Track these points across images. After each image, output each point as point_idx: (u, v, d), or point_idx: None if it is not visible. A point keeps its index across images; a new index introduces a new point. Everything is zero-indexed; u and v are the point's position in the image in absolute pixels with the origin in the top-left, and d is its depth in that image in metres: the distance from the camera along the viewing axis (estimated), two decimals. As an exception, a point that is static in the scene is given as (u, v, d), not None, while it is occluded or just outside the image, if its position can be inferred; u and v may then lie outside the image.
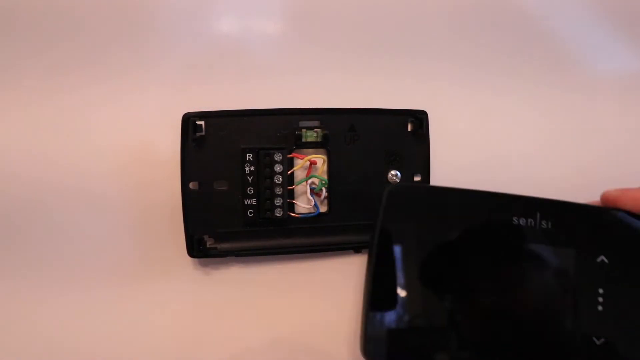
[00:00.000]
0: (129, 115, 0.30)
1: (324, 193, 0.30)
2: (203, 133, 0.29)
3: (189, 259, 0.29)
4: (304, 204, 0.31)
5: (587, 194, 0.26)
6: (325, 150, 0.30)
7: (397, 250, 0.24)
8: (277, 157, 0.29)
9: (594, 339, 0.23)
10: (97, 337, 0.30)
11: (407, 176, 0.31)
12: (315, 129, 0.30)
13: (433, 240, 0.24)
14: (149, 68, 0.30)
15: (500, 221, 0.24)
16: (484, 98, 0.33)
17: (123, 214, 0.30)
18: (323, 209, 0.31)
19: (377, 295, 0.23)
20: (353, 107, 0.30)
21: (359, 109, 0.30)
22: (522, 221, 0.24)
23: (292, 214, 0.30)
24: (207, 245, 0.29)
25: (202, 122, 0.29)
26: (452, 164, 0.32)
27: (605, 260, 0.24)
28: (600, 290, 0.24)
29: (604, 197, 0.25)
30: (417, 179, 0.31)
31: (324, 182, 0.30)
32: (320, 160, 0.30)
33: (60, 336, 0.30)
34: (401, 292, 0.23)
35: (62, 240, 0.30)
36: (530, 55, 0.33)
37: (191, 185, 0.29)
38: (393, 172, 0.31)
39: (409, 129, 0.31)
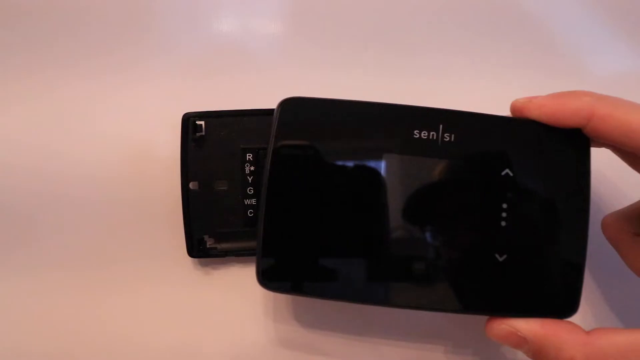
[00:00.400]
0: (129, 115, 0.30)
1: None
2: (203, 133, 0.29)
3: (189, 259, 0.29)
4: (304, 204, 0.30)
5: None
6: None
7: (292, 167, 0.23)
8: (277, 157, 0.29)
9: (496, 255, 0.22)
10: (97, 336, 0.30)
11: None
12: (315, 129, 0.30)
13: (330, 157, 0.23)
14: (148, 68, 0.31)
15: (400, 135, 0.23)
16: (484, 97, 0.33)
17: (123, 214, 0.30)
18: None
19: (272, 217, 0.23)
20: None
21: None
22: (423, 134, 0.23)
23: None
24: (207, 245, 0.29)
25: (202, 122, 0.29)
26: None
27: (510, 174, 0.23)
28: (504, 205, 0.22)
29: (512, 107, 0.23)
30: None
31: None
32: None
33: (60, 336, 0.30)
34: (296, 214, 0.23)
35: (60, 239, 0.30)
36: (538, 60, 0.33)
37: (191, 185, 0.29)
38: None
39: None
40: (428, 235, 0.23)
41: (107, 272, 0.30)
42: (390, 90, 0.32)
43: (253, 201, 0.29)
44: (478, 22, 0.33)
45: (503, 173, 0.23)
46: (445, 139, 0.22)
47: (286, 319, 0.31)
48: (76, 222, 0.30)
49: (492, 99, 0.32)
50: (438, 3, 0.32)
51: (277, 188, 0.23)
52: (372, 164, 0.23)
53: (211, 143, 0.29)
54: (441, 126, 0.23)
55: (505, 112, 0.32)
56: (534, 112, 0.22)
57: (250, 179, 0.29)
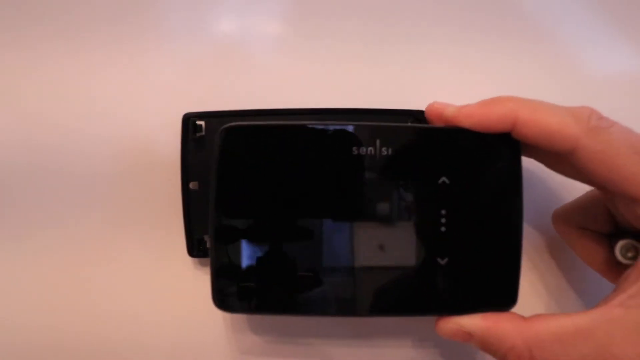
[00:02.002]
0: (129, 115, 0.30)
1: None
2: (203, 133, 0.29)
3: (189, 259, 0.29)
4: (304, 204, 0.31)
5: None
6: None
7: (236, 192, 0.24)
8: (277, 157, 0.29)
9: (438, 259, 0.24)
10: (97, 336, 0.30)
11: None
12: (315, 129, 0.30)
13: (272, 181, 0.24)
14: (148, 68, 0.31)
15: (339, 153, 0.24)
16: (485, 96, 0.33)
17: (123, 213, 0.30)
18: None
19: (221, 241, 0.24)
20: (353, 107, 0.30)
21: (359, 109, 0.30)
22: (362, 150, 0.23)
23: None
24: (207, 245, 0.29)
25: (202, 122, 0.29)
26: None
27: (446, 181, 0.24)
28: (443, 212, 0.24)
29: (443, 118, 0.24)
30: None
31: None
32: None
33: (60, 335, 0.30)
34: (244, 235, 0.24)
35: (61, 238, 0.30)
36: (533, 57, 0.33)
37: (191, 185, 0.29)
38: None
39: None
40: (373, 245, 0.24)
41: (106, 272, 0.30)
42: (388, 88, 0.32)
43: (253, 201, 0.29)
44: (475, 17, 0.33)
45: (440, 181, 0.24)
46: (382, 153, 0.24)
47: (286, 318, 0.31)
48: (76, 222, 0.30)
49: (488, 94, 0.33)
50: (440, 7, 0.32)
51: (224, 215, 0.24)
52: (314, 184, 0.24)
53: (211, 143, 0.29)
54: (378, 141, 0.24)
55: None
56: (464, 121, 0.23)
57: (250, 179, 0.29)
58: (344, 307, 0.24)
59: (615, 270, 0.26)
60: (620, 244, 0.25)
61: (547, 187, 0.31)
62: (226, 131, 0.23)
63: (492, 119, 0.23)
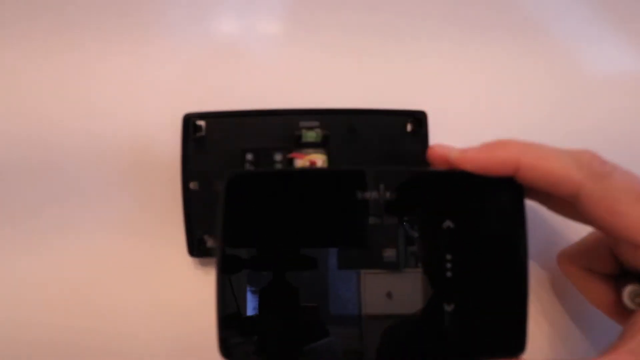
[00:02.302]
0: (129, 115, 0.30)
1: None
2: (203, 133, 0.29)
3: (189, 258, 0.30)
4: (303, 204, 0.31)
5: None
6: (325, 150, 0.30)
7: (245, 241, 0.23)
8: (277, 157, 0.29)
9: (445, 306, 0.23)
10: (97, 335, 0.30)
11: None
12: (315, 129, 0.30)
13: (276, 229, 0.23)
14: (149, 68, 0.31)
15: (344, 198, 0.23)
16: (485, 95, 0.33)
17: (123, 213, 0.30)
18: (323, 209, 0.31)
19: (226, 290, 0.23)
20: (353, 107, 0.30)
21: (359, 109, 0.30)
22: (366, 195, 0.23)
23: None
24: (207, 245, 0.30)
25: (203, 122, 0.29)
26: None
27: (451, 225, 0.23)
28: (448, 256, 0.23)
29: (447, 161, 0.24)
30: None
31: (323, 182, 0.30)
32: (320, 160, 0.30)
33: (60, 335, 0.30)
34: (252, 283, 0.23)
35: (60, 237, 0.30)
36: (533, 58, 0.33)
37: (191, 185, 0.29)
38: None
39: (409, 129, 0.31)
40: (380, 293, 0.24)
41: (106, 272, 0.30)
42: (388, 87, 0.32)
43: (253, 201, 0.29)
44: (473, 14, 0.33)
45: (445, 225, 0.23)
46: (386, 197, 0.23)
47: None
48: (76, 221, 0.30)
49: (486, 94, 0.33)
50: (440, 9, 0.33)
51: (230, 262, 0.23)
52: (319, 231, 0.24)
53: (211, 143, 0.29)
54: (381, 186, 0.23)
55: (498, 105, 0.33)
56: (468, 165, 0.23)
57: (250, 179, 0.29)
58: (352, 358, 0.24)
59: (622, 312, 0.25)
60: (628, 289, 0.24)
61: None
62: (230, 179, 0.23)
63: (495, 164, 0.23)
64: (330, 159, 0.30)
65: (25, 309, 0.30)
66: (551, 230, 0.30)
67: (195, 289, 0.30)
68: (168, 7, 0.31)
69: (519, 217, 0.23)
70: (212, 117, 0.29)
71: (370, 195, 0.23)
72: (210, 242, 0.30)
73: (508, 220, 0.24)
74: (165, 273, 0.30)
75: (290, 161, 0.30)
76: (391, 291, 0.24)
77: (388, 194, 0.23)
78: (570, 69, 0.34)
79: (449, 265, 0.23)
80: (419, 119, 0.31)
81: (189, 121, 0.29)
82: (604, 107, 0.34)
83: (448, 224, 0.23)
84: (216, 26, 0.31)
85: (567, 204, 0.23)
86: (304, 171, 0.24)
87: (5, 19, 0.30)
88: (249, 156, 0.29)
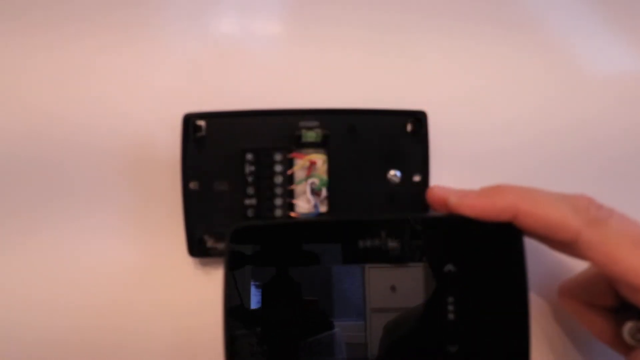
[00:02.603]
0: (129, 115, 0.30)
1: (324, 193, 0.30)
2: (203, 133, 0.29)
3: (189, 258, 0.30)
4: (304, 204, 0.31)
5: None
6: (325, 150, 0.30)
7: (250, 289, 0.24)
8: (277, 157, 0.29)
9: (449, 346, 0.24)
10: (96, 335, 0.30)
11: (407, 176, 0.31)
12: (315, 129, 0.30)
13: (282, 278, 0.24)
14: (149, 68, 0.31)
15: (346, 246, 0.24)
16: (484, 94, 0.33)
17: (123, 213, 0.30)
18: (323, 208, 0.31)
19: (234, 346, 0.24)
20: (353, 107, 0.30)
21: (359, 109, 0.30)
22: (368, 243, 0.24)
23: (292, 214, 0.30)
24: (207, 245, 0.30)
25: (203, 122, 0.29)
26: (453, 164, 0.32)
27: (452, 269, 0.24)
28: (450, 299, 0.24)
29: (445, 206, 0.25)
30: (416, 179, 0.31)
31: (324, 182, 0.30)
32: (320, 160, 0.30)
33: (60, 335, 0.30)
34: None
35: (60, 237, 0.30)
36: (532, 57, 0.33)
37: (191, 185, 0.29)
38: (393, 172, 0.31)
39: (409, 129, 0.31)
40: (381, 334, 0.24)
41: (106, 271, 0.30)
42: (390, 90, 0.32)
43: (253, 201, 0.29)
44: (470, 9, 0.33)
45: (446, 269, 0.24)
46: (389, 244, 0.24)
47: None
48: (76, 221, 0.30)
49: (486, 92, 0.33)
50: (439, 10, 0.33)
51: (236, 310, 0.24)
52: (323, 276, 0.24)
53: (211, 143, 0.29)
54: (383, 233, 0.24)
55: (498, 103, 0.32)
56: (466, 211, 0.24)
57: (250, 179, 0.29)
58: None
59: (625, 344, 0.26)
60: (628, 325, 0.24)
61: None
62: (235, 231, 0.24)
63: (493, 211, 0.24)
64: (330, 159, 0.30)
65: (24, 309, 0.30)
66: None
67: (195, 289, 0.30)
68: (168, 7, 0.31)
69: (518, 260, 0.24)
70: (212, 117, 0.29)
71: (373, 242, 0.24)
72: (210, 242, 0.30)
73: (508, 262, 0.24)
74: (165, 273, 0.30)
75: (291, 161, 0.30)
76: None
77: (390, 242, 0.24)
78: (570, 67, 0.34)
79: (451, 307, 0.24)
80: (419, 119, 0.31)
81: (189, 121, 0.29)
82: (604, 105, 0.34)
83: (450, 267, 0.24)
84: (216, 26, 0.31)
85: (566, 245, 0.24)
86: (306, 222, 0.25)
87: (5, 19, 0.30)
88: (249, 156, 0.29)
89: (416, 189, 0.31)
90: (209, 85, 0.31)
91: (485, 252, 0.24)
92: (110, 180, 0.30)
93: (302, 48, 0.32)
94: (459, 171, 0.32)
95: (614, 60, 0.34)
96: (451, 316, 0.24)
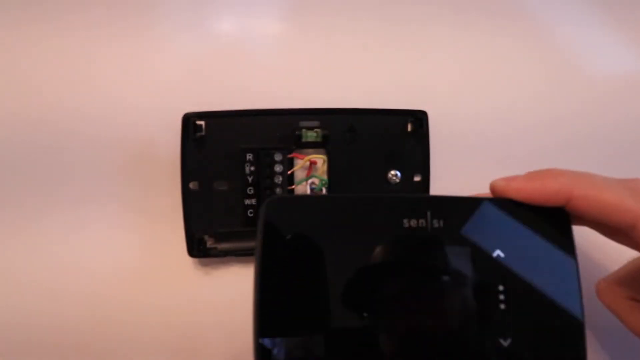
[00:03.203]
0: (129, 115, 0.30)
1: (324, 193, 0.30)
2: (203, 133, 0.29)
3: (189, 258, 0.30)
4: (304, 204, 0.31)
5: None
6: (325, 150, 0.30)
7: (282, 267, 0.22)
8: (277, 157, 0.29)
9: (501, 340, 0.22)
10: (96, 335, 0.30)
11: (407, 176, 0.31)
12: (315, 129, 0.30)
13: (319, 255, 0.22)
14: (149, 68, 0.31)
15: (390, 226, 0.22)
16: (484, 95, 0.33)
17: (123, 213, 0.30)
18: (323, 209, 0.31)
19: (267, 322, 0.21)
20: (353, 107, 0.30)
21: (359, 109, 0.30)
22: (412, 223, 0.22)
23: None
24: (207, 245, 0.30)
25: (202, 122, 0.29)
26: (453, 164, 0.32)
27: (501, 255, 0.23)
28: (501, 287, 0.22)
29: (491, 188, 0.24)
30: (417, 179, 0.31)
31: (324, 182, 0.30)
32: (320, 160, 0.30)
33: (60, 334, 0.30)
34: (291, 313, 0.21)
35: (61, 236, 0.30)
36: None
37: (191, 185, 0.29)
38: (393, 172, 0.31)
39: (409, 129, 0.31)
40: (426, 325, 0.22)
41: (107, 271, 0.30)
42: (390, 90, 0.32)
43: (253, 201, 0.29)
44: (474, 12, 0.33)
45: (494, 255, 0.23)
46: (434, 226, 0.23)
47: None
48: (76, 222, 0.30)
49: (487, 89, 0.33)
50: (439, 10, 0.33)
51: (269, 288, 0.22)
52: (365, 258, 0.22)
53: (211, 143, 0.29)
54: (428, 213, 0.23)
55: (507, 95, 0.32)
56: (514, 195, 0.23)
57: (250, 179, 0.29)
58: None
59: None
60: None
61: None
62: (269, 204, 0.22)
63: (545, 194, 0.22)
64: (330, 159, 0.30)
65: (23, 309, 0.30)
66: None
67: (195, 289, 0.30)
68: (168, 7, 0.31)
69: (568, 247, 0.23)
70: (212, 117, 0.29)
71: (418, 223, 0.22)
72: (210, 243, 0.30)
73: (557, 250, 0.23)
74: (165, 273, 0.30)
75: (291, 161, 0.30)
76: (443, 325, 0.22)
77: (435, 222, 0.23)
78: (576, 68, 0.34)
79: (501, 297, 0.22)
80: (419, 118, 0.31)
81: (189, 121, 0.29)
82: (608, 105, 0.34)
83: (498, 253, 0.23)
84: (217, 26, 0.31)
85: (622, 231, 0.23)
86: (348, 198, 0.23)
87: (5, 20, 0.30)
88: (249, 156, 0.29)
89: (416, 189, 0.31)
90: (209, 84, 0.31)
91: (534, 238, 0.23)
92: (110, 180, 0.30)
93: (302, 48, 0.32)
94: (459, 171, 0.32)
95: (612, 56, 0.34)
96: (502, 306, 0.22)
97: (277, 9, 0.32)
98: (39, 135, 0.30)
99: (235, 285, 0.31)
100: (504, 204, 0.23)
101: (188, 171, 0.29)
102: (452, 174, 0.32)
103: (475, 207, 0.23)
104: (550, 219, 0.23)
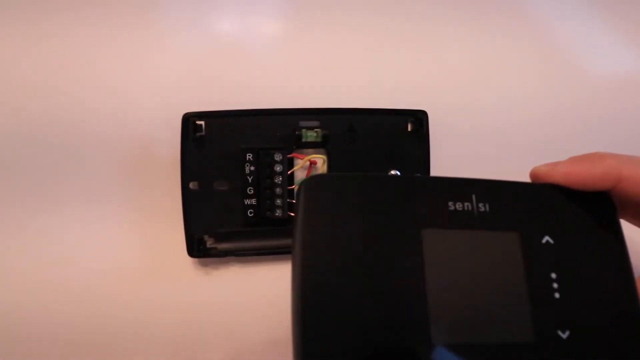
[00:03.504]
0: (129, 115, 0.30)
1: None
2: (203, 133, 0.29)
3: (189, 259, 0.29)
4: (304, 204, 0.30)
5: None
6: (325, 150, 0.30)
7: (326, 248, 0.20)
8: (277, 157, 0.29)
9: (559, 332, 0.21)
10: (96, 335, 0.30)
11: (407, 176, 0.31)
12: (315, 129, 0.30)
13: (368, 235, 0.21)
14: (148, 68, 0.31)
15: (435, 208, 0.21)
16: (484, 96, 0.33)
17: (123, 213, 0.30)
18: (323, 209, 0.31)
19: (311, 303, 0.20)
20: (353, 107, 0.30)
21: (359, 109, 0.30)
22: (458, 206, 0.22)
23: (292, 214, 0.30)
24: (207, 245, 0.30)
25: (202, 122, 0.29)
26: (453, 164, 0.32)
27: (551, 241, 0.22)
28: (553, 275, 0.21)
29: (533, 174, 0.23)
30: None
31: (324, 182, 0.30)
32: (320, 160, 0.30)
33: (60, 334, 0.30)
34: (337, 294, 0.20)
35: (60, 236, 0.30)
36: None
37: (191, 185, 0.29)
38: (393, 172, 0.31)
39: (409, 129, 0.31)
40: (478, 317, 0.21)
41: (107, 271, 0.30)
42: (390, 89, 0.32)
43: (253, 201, 0.29)
44: (475, 11, 0.33)
45: (544, 241, 0.22)
46: (480, 209, 0.22)
47: (286, 319, 0.31)
48: (75, 221, 0.30)
49: (487, 92, 0.33)
50: (440, 10, 0.33)
51: (312, 270, 0.21)
52: (410, 240, 0.21)
53: (211, 143, 0.29)
54: (474, 196, 0.22)
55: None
56: (560, 179, 0.22)
57: (250, 179, 0.29)
58: None
59: None
60: None
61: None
62: (309, 182, 0.21)
63: (591, 177, 0.22)
64: (330, 159, 0.30)
65: (23, 307, 0.30)
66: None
67: (194, 289, 0.30)
68: (169, 7, 0.31)
69: (616, 232, 0.22)
70: (212, 117, 0.29)
71: (464, 206, 0.22)
72: (210, 243, 0.30)
73: (606, 235, 0.22)
74: (165, 273, 0.30)
75: (291, 161, 0.30)
76: (496, 316, 0.21)
77: (481, 206, 0.22)
78: (574, 68, 0.34)
79: (555, 285, 0.21)
80: (419, 118, 0.31)
81: (189, 121, 0.29)
82: (608, 105, 0.34)
83: (547, 239, 0.22)
84: (217, 26, 0.31)
85: None
86: (391, 177, 0.22)
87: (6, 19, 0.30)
88: (249, 156, 0.29)
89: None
90: (209, 84, 0.31)
91: (581, 225, 0.22)
92: (110, 180, 0.30)
93: (302, 48, 0.32)
94: (460, 171, 0.32)
95: (612, 54, 0.34)
96: (556, 295, 0.21)
97: (278, 9, 0.32)
98: (38, 135, 0.30)
99: (235, 285, 0.31)
100: (548, 189, 0.22)
101: (188, 171, 0.29)
102: (452, 174, 0.32)
103: (520, 192, 0.22)
104: (595, 206, 0.22)
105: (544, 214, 0.22)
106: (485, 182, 0.22)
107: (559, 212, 0.22)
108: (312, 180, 0.21)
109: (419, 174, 0.22)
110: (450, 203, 0.21)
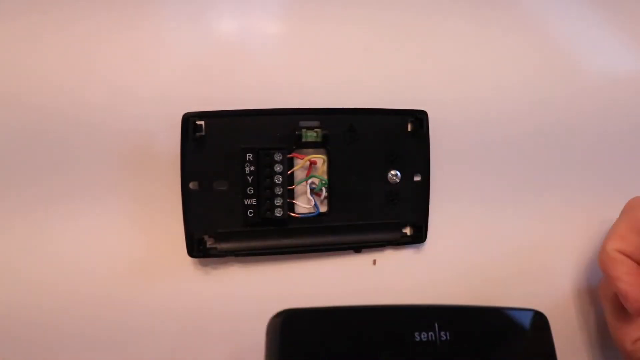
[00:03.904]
0: (129, 115, 0.30)
1: (324, 193, 0.30)
2: (203, 133, 0.29)
3: (189, 259, 0.29)
4: (304, 204, 0.31)
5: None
6: (325, 150, 0.30)
7: None
8: (277, 157, 0.29)
9: None
10: (96, 335, 0.30)
11: (407, 176, 0.31)
12: (315, 129, 0.30)
13: None
14: (149, 68, 0.30)
15: (400, 338, 0.22)
16: (484, 94, 0.33)
17: (122, 214, 0.30)
18: (323, 209, 0.31)
19: None
20: (353, 107, 0.30)
21: (359, 109, 0.30)
22: (422, 336, 0.22)
23: (292, 214, 0.30)
24: (207, 245, 0.30)
25: (202, 122, 0.29)
26: (453, 164, 0.32)
27: None
28: None
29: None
30: (417, 179, 0.31)
31: (324, 182, 0.30)
32: (320, 160, 0.30)
33: (59, 334, 0.30)
34: None
35: (61, 236, 0.30)
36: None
37: (191, 185, 0.29)
38: (393, 172, 0.31)
39: (409, 129, 0.31)
40: None
41: (106, 271, 0.30)
42: (390, 89, 0.32)
43: (253, 201, 0.29)
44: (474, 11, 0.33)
45: None
46: (442, 339, 0.23)
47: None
48: (75, 221, 0.30)
49: (487, 91, 0.33)
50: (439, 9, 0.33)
51: None
52: None
53: (211, 143, 0.29)
54: (436, 324, 0.23)
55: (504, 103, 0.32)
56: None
57: (250, 179, 0.29)
58: None
59: None
60: None
61: None
62: (282, 316, 0.23)
63: None
64: (330, 159, 0.30)
65: (20, 306, 0.30)
66: None
67: (194, 289, 0.30)
68: (168, 7, 0.31)
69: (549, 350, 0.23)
70: (212, 117, 0.29)
71: (427, 335, 0.22)
72: (210, 243, 0.30)
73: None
74: (165, 273, 0.30)
75: (291, 161, 0.30)
76: None
77: (443, 335, 0.23)
78: (575, 68, 0.34)
79: None
80: (419, 118, 0.31)
81: (189, 121, 0.29)
82: (611, 104, 0.34)
83: None
84: (216, 25, 0.31)
85: None
86: (357, 309, 0.23)
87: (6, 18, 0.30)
88: (249, 156, 0.29)
89: (416, 189, 0.31)
90: (209, 84, 0.31)
91: (531, 345, 0.23)
92: (109, 180, 0.30)
93: (302, 48, 0.32)
94: (459, 171, 0.32)
95: (611, 53, 0.34)
96: None
97: (278, 8, 0.32)
98: (38, 136, 0.30)
99: (235, 285, 0.31)
100: (509, 314, 0.23)
101: (188, 171, 0.29)
102: (452, 174, 0.32)
103: (479, 317, 0.23)
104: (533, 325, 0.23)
105: (502, 336, 0.23)
106: (446, 310, 0.23)
107: (517, 334, 0.23)
108: (282, 316, 0.23)
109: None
110: (416, 334, 0.22)
